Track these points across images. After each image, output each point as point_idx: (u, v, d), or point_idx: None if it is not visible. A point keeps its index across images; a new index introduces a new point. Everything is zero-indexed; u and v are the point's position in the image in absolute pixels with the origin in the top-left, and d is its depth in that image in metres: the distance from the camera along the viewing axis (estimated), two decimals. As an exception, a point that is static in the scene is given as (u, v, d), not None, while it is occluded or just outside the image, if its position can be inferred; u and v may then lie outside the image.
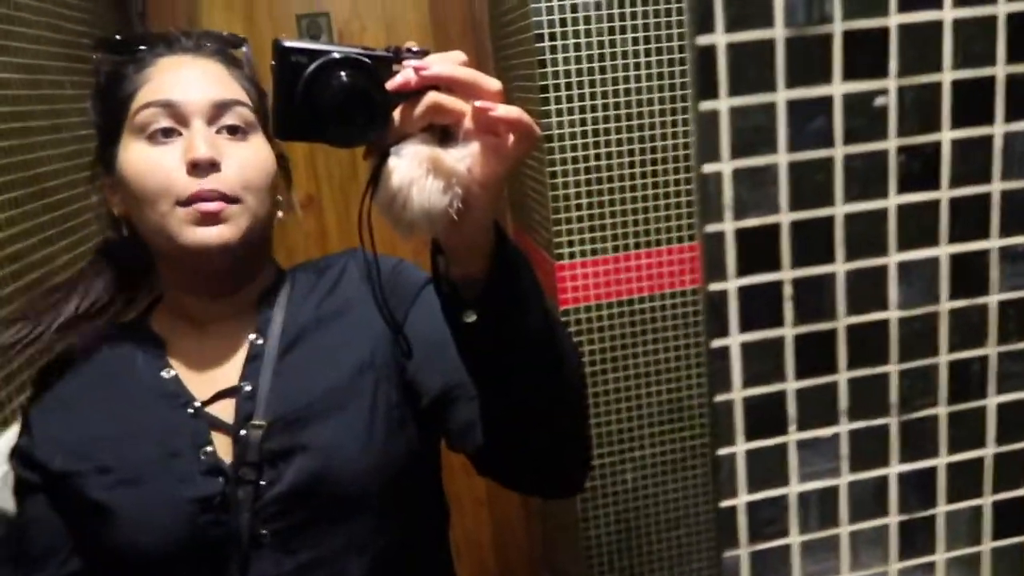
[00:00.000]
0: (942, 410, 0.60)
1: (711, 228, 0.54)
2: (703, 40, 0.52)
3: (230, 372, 0.80)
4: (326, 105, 0.53)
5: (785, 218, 0.55)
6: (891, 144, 0.55)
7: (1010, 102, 0.56)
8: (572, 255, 1.56)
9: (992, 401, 0.60)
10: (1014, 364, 0.60)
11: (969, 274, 0.58)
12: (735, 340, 0.56)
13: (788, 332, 0.57)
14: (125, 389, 0.79)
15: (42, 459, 0.79)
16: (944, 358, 0.59)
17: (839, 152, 0.55)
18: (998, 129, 0.56)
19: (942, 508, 0.62)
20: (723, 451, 0.57)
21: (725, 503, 0.58)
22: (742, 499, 0.58)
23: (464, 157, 0.54)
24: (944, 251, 0.58)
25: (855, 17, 0.53)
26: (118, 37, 0.82)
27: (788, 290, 0.56)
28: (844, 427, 0.59)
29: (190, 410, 0.77)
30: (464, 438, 0.74)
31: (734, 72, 0.53)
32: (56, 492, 0.80)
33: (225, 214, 0.74)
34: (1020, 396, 0.61)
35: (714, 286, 0.55)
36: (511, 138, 0.53)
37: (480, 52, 2.12)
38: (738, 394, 0.57)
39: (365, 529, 0.77)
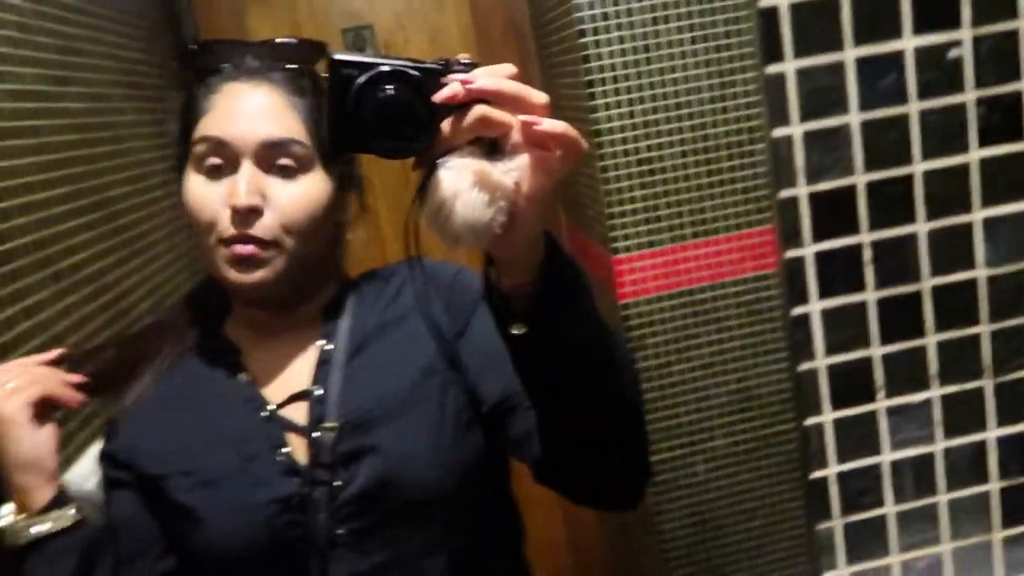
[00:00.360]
0: (1040, 369, 0.58)
1: (785, 194, 0.53)
2: (765, 3, 0.51)
3: (301, 377, 0.81)
4: (374, 117, 0.54)
5: (861, 179, 0.54)
6: (969, 97, 0.54)
7: (1092, 44, 0.54)
8: (629, 248, 1.55)
9: (1092, 358, 0.58)
10: (1114, 317, 0.58)
11: (1059, 226, 0.56)
12: (815, 307, 0.55)
13: (870, 296, 0.55)
14: (202, 395, 0.82)
15: (128, 461, 0.82)
16: (1038, 315, 0.57)
17: (914, 108, 0.53)
18: (1081, 73, 0.54)
19: (1045, 472, 0.59)
20: (810, 421, 0.56)
21: (816, 474, 0.57)
22: (832, 470, 0.57)
23: (511, 170, 0.54)
24: (1031, 204, 0.56)
25: (922, -32, 0.52)
26: (194, 47, 0.84)
27: (868, 253, 0.55)
28: (936, 392, 0.57)
29: (264, 413, 0.78)
30: (521, 447, 0.75)
31: (799, 32, 0.52)
32: (144, 493, 0.83)
33: (260, 258, 0.75)
34: (1122, 350, 0.58)
35: (791, 253, 0.54)
36: (558, 152, 0.53)
37: (524, 53, 2.13)
38: (822, 362, 0.55)
39: (438, 529, 0.78)
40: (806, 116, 0.53)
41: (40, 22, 1.25)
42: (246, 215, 0.76)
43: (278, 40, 0.84)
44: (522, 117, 0.53)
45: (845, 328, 0.55)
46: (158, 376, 0.86)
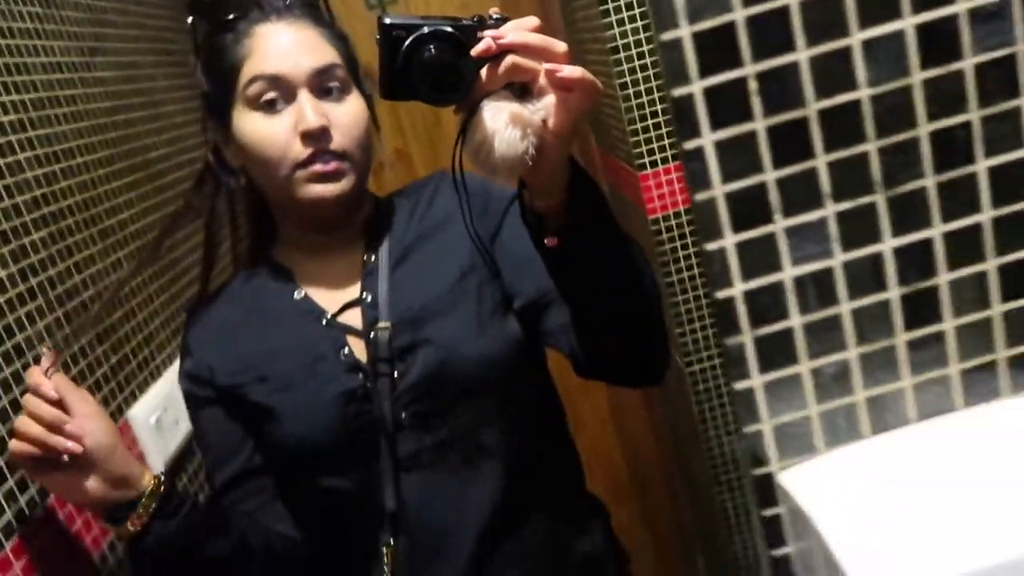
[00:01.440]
0: (930, 181, 0.62)
1: (667, 36, 0.58)
2: None
3: (351, 288, 0.91)
4: (420, 72, 0.65)
5: (740, 15, 0.58)
6: (836, -76, 0.57)
7: None
8: (653, 163, 1.58)
9: (982, 165, 0.62)
10: (1001, 126, 0.61)
11: (939, 41, 0.59)
12: (707, 140, 0.60)
13: (759, 125, 0.60)
14: (265, 313, 0.94)
15: (207, 377, 0.95)
16: (924, 129, 0.61)
17: (784, -59, 0.57)
18: None
19: (944, 277, 0.64)
20: (713, 245, 0.62)
21: (722, 293, 0.63)
22: (738, 288, 0.63)
23: (539, 110, 0.64)
24: (909, 22, 0.59)
25: None
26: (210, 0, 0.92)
27: (753, 85, 0.59)
28: (830, 209, 0.62)
29: (323, 321, 0.90)
30: (559, 338, 0.85)
31: None
32: (225, 402, 0.95)
33: (340, 171, 0.86)
34: (1011, 157, 0.61)
35: (678, 91, 0.59)
36: (578, 93, 0.62)
37: (548, 7, 2.12)
38: (719, 190, 0.61)
39: (490, 407, 0.89)
40: (681, -40, 0.57)
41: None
42: (318, 136, 0.87)
43: None
44: (546, 65, 0.63)
45: (738, 157, 0.60)
46: (218, 303, 0.98)
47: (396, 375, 0.87)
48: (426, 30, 0.65)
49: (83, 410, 0.82)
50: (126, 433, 1.13)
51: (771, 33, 0.58)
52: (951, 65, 0.60)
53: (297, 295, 0.93)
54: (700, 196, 0.61)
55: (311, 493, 0.93)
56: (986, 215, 0.63)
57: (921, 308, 0.64)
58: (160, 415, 1.19)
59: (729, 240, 0.62)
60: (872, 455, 0.66)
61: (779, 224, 0.62)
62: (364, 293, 0.90)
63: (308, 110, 0.85)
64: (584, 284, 0.74)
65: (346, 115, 0.88)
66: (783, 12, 0.58)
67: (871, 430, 0.66)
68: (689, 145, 0.60)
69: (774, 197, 0.61)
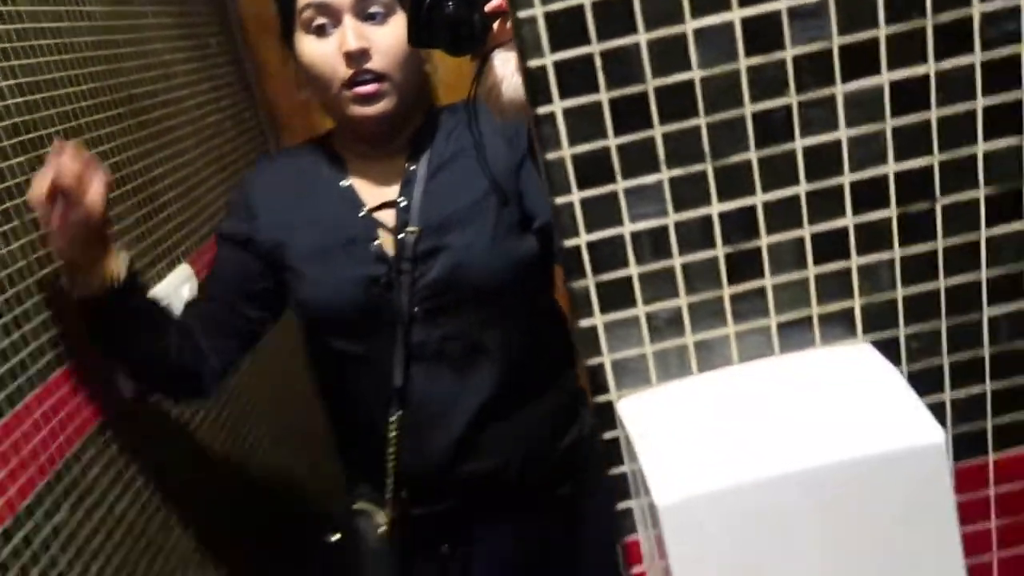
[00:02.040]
0: (752, 155, 0.71)
1: (523, 14, 0.67)
2: None
3: (390, 189, 1.08)
4: (442, 26, 0.77)
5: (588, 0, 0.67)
6: (672, -76, 0.65)
7: None
8: None
9: (799, 144, 0.71)
10: (815, 111, 0.70)
11: (763, 33, 0.68)
12: (558, 107, 0.69)
13: (604, 96, 0.69)
14: (315, 189, 1.11)
15: (248, 231, 1.13)
16: (748, 109, 0.70)
17: (627, -63, 0.66)
18: (772, -101, 0.65)
19: (765, 240, 0.73)
20: (561, 200, 0.72)
21: (570, 242, 0.73)
22: (583, 239, 0.73)
23: None
24: (736, 15, 0.67)
25: None
26: None
27: (599, 61, 0.69)
28: (664, 175, 0.71)
29: (361, 213, 1.07)
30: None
31: None
32: (261, 256, 1.11)
33: (379, 92, 1.02)
34: (823, 139, 0.70)
35: (532, 63, 0.68)
36: None
37: None
38: (567, 152, 0.71)
39: (494, 311, 1.07)
40: (537, -51, 0.66)
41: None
42: (358, 56, 1.02)
43: None
44: None
45: (585, 124, 0.70)
46: (279, 166, 1.16)
47: (417, 274, 1.03)
48: None
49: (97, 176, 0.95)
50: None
51: (615, 17, 0.67)
52: (773, 55, 0.68)
53: (343, 183, 1.11)
54: (551, 156, 0.70)
55: (332, 357, 1.11)
56: (802, 188, 0.72)
57: (744, 266, 0.74)
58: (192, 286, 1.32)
59: (576, 196, 0.71)
60: (698, 389, 0.76)
61: (620, 185, 0.71)
62: (401, 197, 1.06)
63: (349, 33, 1.01)
64: None
65: (387, 37, 1.03)
66: (627, 0, 0.67)
67: (698, 368, 0.77)
68: (542, 111, 0.69)
69: (616, 161, 0.71)
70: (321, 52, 1.01)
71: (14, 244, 1.10)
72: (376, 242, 1.06)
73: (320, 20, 1.00)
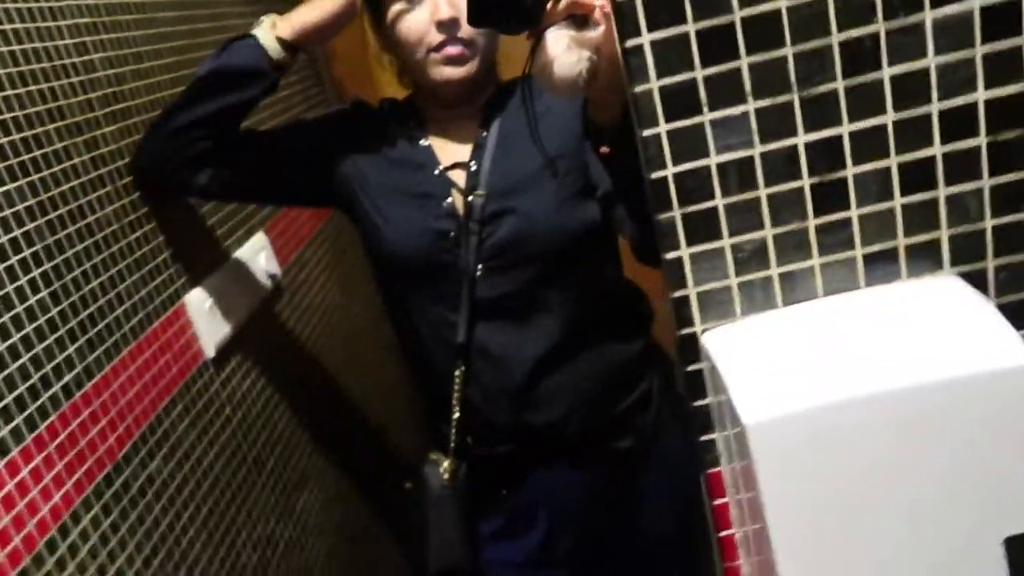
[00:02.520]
0: (839, 84, 0.72)
1: (613, -52, 0.69)
2: None
3: (463, 152, 1.14)
4: (499, 6, 0.81)
5: (676, -67, 0.69)
6: None
7: None
8: None
9: (886, 73, 0.71)
10: (903, 38, 0.70)
11: (850, -39, 0.69)
12: (645, 39, 0.71)
13: (691, 28, 0.71)
14: (395, 142, 1.19)
15: (329, 155, 1.19)
16: (835, 39, 0.71)
17: None
18: None
19: (851, 171, 0.74)
20: (648, 132, 0.73)
21: (656, 174, 0.75)
22: (670, 171, 0.74)
23: (593, 38, 0.79)
24: (825, -56, 0.68)
25: None
26: None
27: (687, -8, 0.70)
28: (751, 106, 0.73)
29: (436, 171, 1.12)
30: (622, 225, 1.05)
31: None
32: (334, 191, 1.19)
33: (466, 55, 1.08)
34: (911, 67, 0.71)
35: (621, -4, 0.70)
36: None
37: None
38: (655, 84, 0.72)
39: (555, 271, 1.10)
40: None
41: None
42: (450, 25, 1.09)
43: None
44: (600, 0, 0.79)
45: (672, 55, 0.72)
46: (371, 116, 1.22)
47: (484, 235, 1.08)
48: None
49: None
50: (182, 315, 1.31)
51: (703, -51, 0.69)
52: (861, -18, 0.69)
53: (423, 142, 1.16)
54: (639, 88, 0.72)
55: (402, 309, 1.17)
56: (888, 117, 0.72)
57: (830, 197, 0.75)
58: (214, 301, 1.38)
59: (663, 128, 0.73)
60: (783, 322, 0.77)
61: (706, 116, 0.73)
62: (472, 161, 1.11)
63: (442, 3, 1.07)
64: (629, 181, 0.87)
65: None
66: (714, -69, 0.69)
67: (783, 301, 0.78)
68: (630, 43, 0.71)
69: (702, 92, 0.72)
70: (413, 19, 1.07)
71: (108, 208, 1.17)
72: (448, 200, 1.11)
73: None
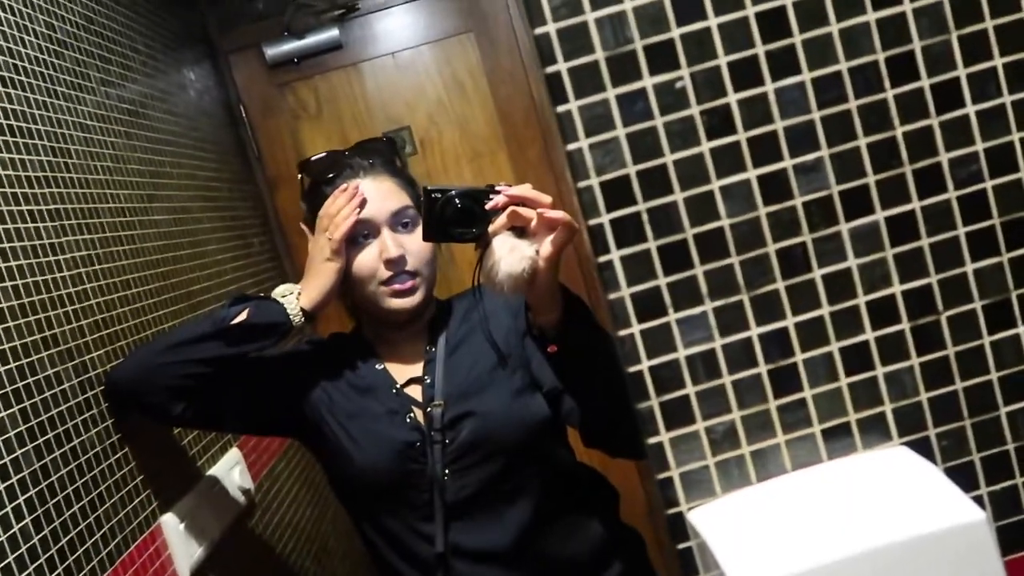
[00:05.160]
0: (780, 284, 0.84)
1: (582, 184, 0.83)
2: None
3: (416, 368, 1.22)
4: (451, 221, 0.95)
5: (632, 169, 0.84)
6: (695, 110, 0.83)
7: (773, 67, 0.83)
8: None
9: (817, 273, 0.84)
10: (826, 244, 0.84)
11: (775, 187, 0.84)
12: (615, 255, 0.84)
13: (652, 245, 0.84)
14: (355, 371, 1.23)
15: (299, 384, 1.25)
16: (772, 247, 0.84)
17: (659, 122, 0.83)
18: (769, 87, 0.83)
19: (800, 356, 0.85)
20: (623, 332, 0.84)
21: (633, 368, 0.84)
22: (645, 364, 0.84)
23: (533, 244, 0.92)
24: (752, 174, 0.84)
25: None
26: (313, 159, 1.26)
27: (646, 217, 0.84)
28: (708, 306, 0.84)
29: (394, 390, 1.17)
30: (570, 417, 1.12)
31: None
32: (301, 421, 1.24)
33: (414, 287, 1.19)
34: (837, 267, 0.84)
35: (592, 222, 0.83)
36: (560, 231, 0.93)
37: (545, 131, 2.49)
38: (625, 292, 0.84)
39: (518, 464, 1.17)
40: (589, 134, 0.83)
41: (132, 153, 1.66)
42: (397, 261, 1.19)
43: (367, 141, 1.27)
44: (538, 211, 0.93)
45: (638, 268, 0.84)
46: (327, 348, 1.30)
47: (447, 440, 1.13)
48: (453, 193, 0.96)
49: None
50: (158, 537, 1.32)
51: (656, 182, 0.83)
52: (785, 203, 0.84)
53: (378, 367, 1.22)
54: (612, 295, 0.84)
55: (374, 522, 1.19)
56: (825, 310, 0.85)
57: (785, 380, 0.85)
58: (189, 522, 1.39)
59: (636, 328, 0.84)
60: (759, 498, 0.85)
61: (672, 316, 0.84)
62: (425, 375, 1.18)
63: (389, 243, 1.19)
64: (578, 378, 1.02)
65: (417, 243, 1.22)
66: (663, 168, 0.83)
67: (756, 477, 0.85)
68: (602, 259, 0.83)
69: (667, 296, 0.84)
70: (361, 257, 1.18)
71: (92, 431, 1.19)
72: (410, 414, 1.19)
73: (362, 232, 1.19)
